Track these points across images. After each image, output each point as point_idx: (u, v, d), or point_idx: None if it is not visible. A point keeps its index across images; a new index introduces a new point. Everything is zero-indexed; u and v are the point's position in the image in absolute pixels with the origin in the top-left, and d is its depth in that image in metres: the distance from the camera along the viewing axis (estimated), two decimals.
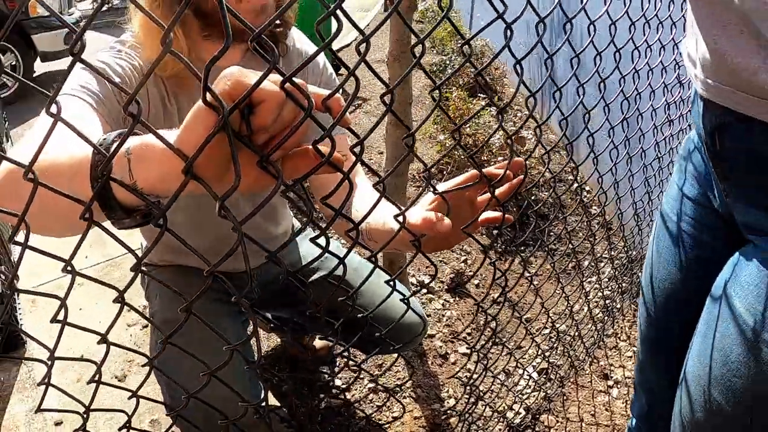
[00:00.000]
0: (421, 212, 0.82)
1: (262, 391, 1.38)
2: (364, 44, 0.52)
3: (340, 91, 0.55)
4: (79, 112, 0.84)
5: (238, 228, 0.51)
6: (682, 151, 1.06)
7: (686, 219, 1.02)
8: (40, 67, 7.02)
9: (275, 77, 0.48)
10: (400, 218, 0.74)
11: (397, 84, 0.67)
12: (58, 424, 1.95)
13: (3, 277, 2.28)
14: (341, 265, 0.71)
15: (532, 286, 1.36)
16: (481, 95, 4.03)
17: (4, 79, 6.11)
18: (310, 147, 0.53)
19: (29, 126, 5.44)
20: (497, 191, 0.87)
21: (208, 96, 0.46)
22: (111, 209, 0.57)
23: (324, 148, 0.52)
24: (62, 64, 7.59)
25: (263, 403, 0.89)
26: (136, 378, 2.06)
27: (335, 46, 6.96)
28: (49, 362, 0.66)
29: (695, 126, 0.94)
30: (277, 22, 1.07)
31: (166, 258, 1.46)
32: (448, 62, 5.22)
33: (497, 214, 0.90)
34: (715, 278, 0.86)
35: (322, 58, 1.35)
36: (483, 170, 0.83)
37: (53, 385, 0.68)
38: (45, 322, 2.22)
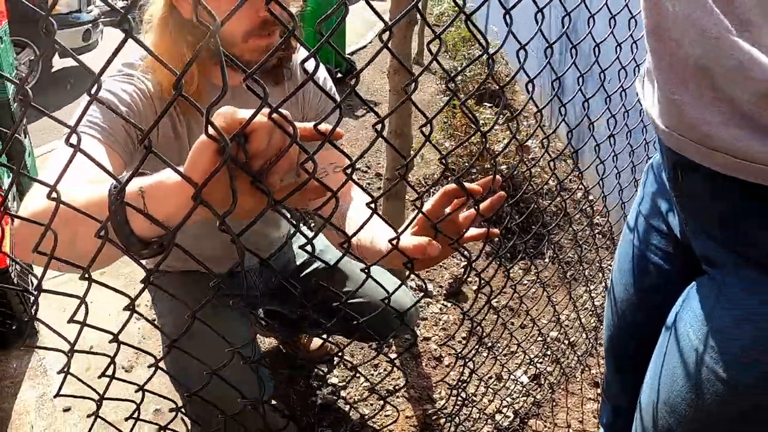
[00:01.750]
0: (411, 238, 0.86)
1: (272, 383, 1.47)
2: (387, 32, 0.60)
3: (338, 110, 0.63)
4: (87, 149, 0.86)
5: (237, 240, 0.59)
6: (645, 172, 1.09)
7: (646, 242, 1.06)
8: (57, 63, 7.13)
9: (264, 110, 0.57)
10: (395, 242, 0.81)
11: (391, 112, 0.74)
12: (66, 410, 2.03)
13: (18, 270, 2.37)
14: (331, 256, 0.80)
15: (515, 294, 1.43)
16: (487, 104, 4.08)
17: (22, 74, 6.22)
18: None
19: (46, 123, 5.53)
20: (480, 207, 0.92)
21: (211, 130, 0.54)
22: (131, 244, 0.66)
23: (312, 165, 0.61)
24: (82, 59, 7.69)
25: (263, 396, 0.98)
26: (143, 369, 2.14)
27: (349, 49, 7.03)
28: (70, 354, 0.74)
29: (658, 151, 0.97)
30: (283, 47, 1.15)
31: (174, 264, 1.54)
32: (459, 68, 5.22)
33: (482, 230, 0.96)
34: (670, 303, 0.89)
35: (322, 73, 1.40)
36: (464, 184, 0.87)
37: (71, 374, 0.76)
38: (55, 312, 2.33)
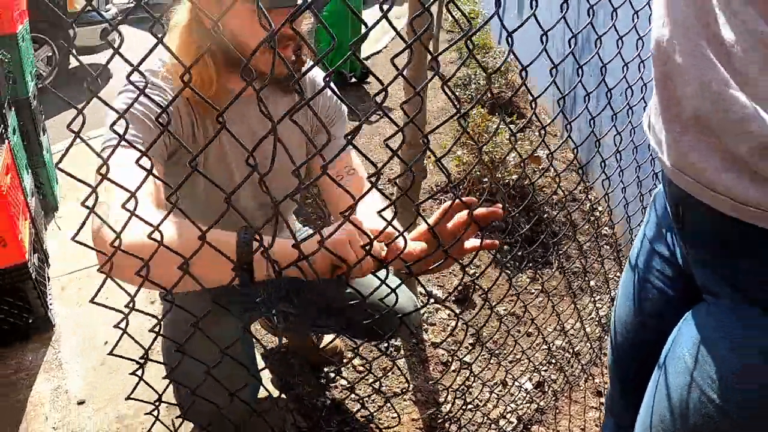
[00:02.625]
0: (414, 243, 0.99)
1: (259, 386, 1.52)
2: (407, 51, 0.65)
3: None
4: (126, 161, 0.90)
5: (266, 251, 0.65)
6: (653, 198, 1.13)
7: (650, 267, 1.09)
8: (74, 60, 7.20)
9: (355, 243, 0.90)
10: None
11: (401, 128, 0.78)
12: (80, 403, 2.06)
13: (38, 263, 2.43)
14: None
15: (520, 302, 1.47)
16: (498, 114, 4.12)
17: (41, 71, 6.31)
18: None
19: (64, 118, 5.60)
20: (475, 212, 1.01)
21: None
22: (243, 283, 0.88)
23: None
24: (98, 58, 7.80)
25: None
26: (156, 365, 2.18)
27: (364, 53, 7.07)
28: (128, 311, 0.79)
29: (662, 183, 1.01)
30: (294, 59, 1.21)
31: None
32: (473, 76, 5.28)
33: (481, 241, 1.05)
34: (670, 328, 0.92)
35: (321, 77, 1.48)
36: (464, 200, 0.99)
37: (144, 382, 0.81)
38: (72, 306, 2.37)
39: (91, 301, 0.81)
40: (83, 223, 0.80)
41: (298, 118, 1.37)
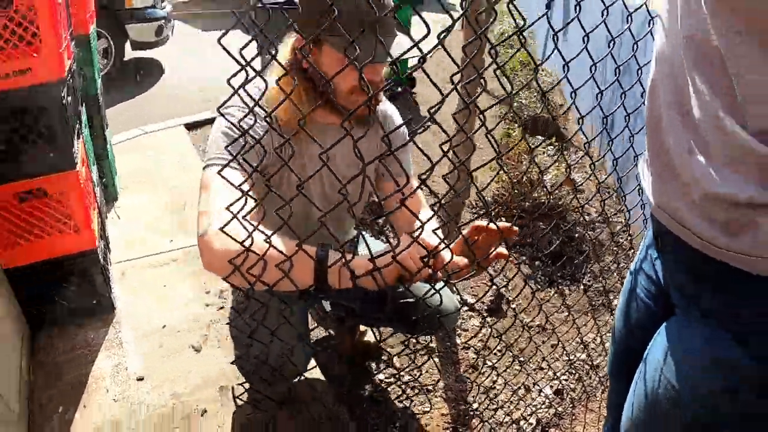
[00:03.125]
0: (459, 258, 1.23)
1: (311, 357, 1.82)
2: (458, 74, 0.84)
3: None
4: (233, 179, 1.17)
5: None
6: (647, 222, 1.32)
7: (639, 284, 1.27)
8: (128, 53, 7.48)
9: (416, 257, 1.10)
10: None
11: (445, 154, 0.95)
12: (139, 379, 2.25)
13: (103, 250, 2.64)
14: None
15: (544, 315, 1.63)
16: (539, 137, 4.26)
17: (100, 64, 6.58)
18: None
19: (116, 110, 5.87)
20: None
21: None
22: (322, 290, 1.14)
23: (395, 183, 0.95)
24: (151, 53, 8.10)
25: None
26: (211, 350, 2.39)
27: (410, 62, 7.22)
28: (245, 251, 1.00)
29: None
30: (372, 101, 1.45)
31: None
32: (514, 92, 5.33)
33: (503, 251, 1.30)
34: (651, 338, 1.11)
35: (396, 116, 1.74)
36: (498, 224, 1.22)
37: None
38: (132, 291, 2.58)
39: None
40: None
41: (369, 141, 1.62)
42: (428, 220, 1.02)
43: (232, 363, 1.78)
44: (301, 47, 1.32)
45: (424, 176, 0.92)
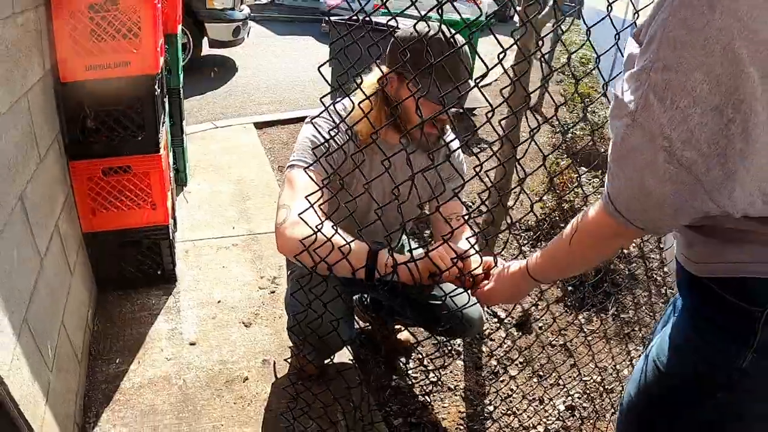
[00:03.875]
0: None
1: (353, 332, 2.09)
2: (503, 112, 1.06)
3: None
4: (310, 184, 1.49)
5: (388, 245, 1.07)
6: None
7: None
8: (205, 49, 7.89)
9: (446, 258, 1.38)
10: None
11: (493, 185, 1.17)
12: (192, 344, 2.50)
13: (172, 227, 2.92)
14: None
15: (563, 337, 1.81)
16: (583, 168, 4.40)
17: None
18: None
19: (189, 105, 6.20)
20: None
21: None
22: (370, 278, 1.42)
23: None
24: (226, 52, 8.48)
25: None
26: (260, 327, 2.63)
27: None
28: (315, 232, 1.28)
29: None
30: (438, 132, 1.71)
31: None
32: (573, 123, 5.38)
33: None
34: None
35: (455, 145, 1.98)
36: None
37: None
38: (193, 267, 2.88)
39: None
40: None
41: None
42: (459, 227, 1.32)
43: (289, 329, 2.03)
44: (381, 79, 1.53)
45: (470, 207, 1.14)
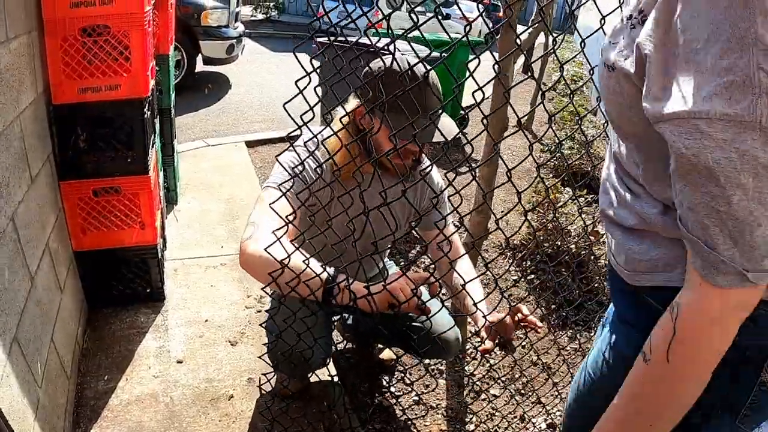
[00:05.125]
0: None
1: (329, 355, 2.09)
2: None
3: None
4: (282, 207, 1.50)
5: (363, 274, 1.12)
6: None
7: None
8: (199, 67, 7.92)
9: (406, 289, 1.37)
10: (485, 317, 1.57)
11: (473, 210, 1.22)
12: (179, 362, 2.53)
13: (161, 246, 2.96)
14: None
15: (549, 354, 1.86)
16: (569, 189, 4.46)
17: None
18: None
19: (181, 122, 6.24)
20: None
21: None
22: (326, 302, 1.42)
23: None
24: (220, 68, 8.55)
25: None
26: (245, 346, 2.67)
27: (465, 103, 7.46)
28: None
29: None
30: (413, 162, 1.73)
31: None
32: (562, 143, 5.44)
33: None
34: None
35: (437, 177, 2.02)
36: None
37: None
38: (181, 286, 2.91)
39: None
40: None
41: (415, 195, 1.95)
42: (449, 251, 1.36)
43: (259, 357, 2.06)
44: (352, 111, 1.54)
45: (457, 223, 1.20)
